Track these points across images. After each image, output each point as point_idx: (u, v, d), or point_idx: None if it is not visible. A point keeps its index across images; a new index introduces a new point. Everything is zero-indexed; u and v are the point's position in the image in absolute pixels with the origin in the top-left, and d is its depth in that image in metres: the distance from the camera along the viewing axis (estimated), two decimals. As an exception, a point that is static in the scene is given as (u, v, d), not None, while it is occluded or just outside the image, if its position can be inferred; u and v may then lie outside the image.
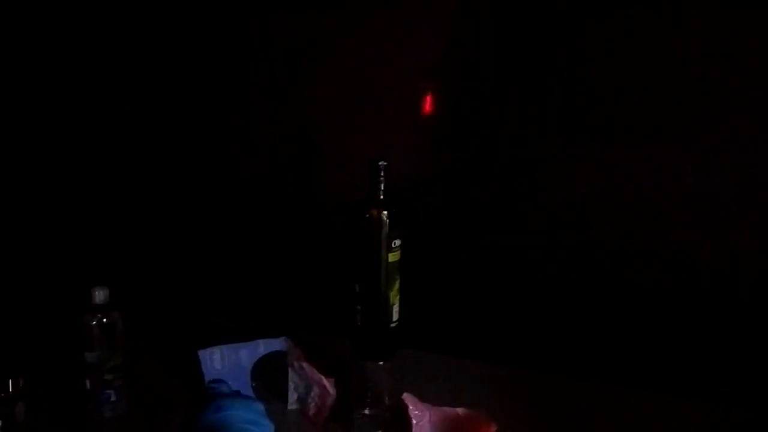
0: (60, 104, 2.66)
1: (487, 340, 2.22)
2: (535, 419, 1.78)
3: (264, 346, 1.90)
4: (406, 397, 1.66)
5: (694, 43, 1.95)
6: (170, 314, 2.48)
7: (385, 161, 1.69)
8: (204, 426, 1.24)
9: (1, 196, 2.50)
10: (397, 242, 1.70)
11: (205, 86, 2.57)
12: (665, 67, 1.98)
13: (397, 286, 1.73)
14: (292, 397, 1.83)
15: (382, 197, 1.69)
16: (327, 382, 1.75)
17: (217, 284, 2.66)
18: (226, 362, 1.85)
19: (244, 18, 2.46)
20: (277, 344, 1.91)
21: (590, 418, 1.82)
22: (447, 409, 1.68)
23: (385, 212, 1.68)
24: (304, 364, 1.79)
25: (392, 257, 1.70)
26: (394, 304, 1.73)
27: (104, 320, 1.75)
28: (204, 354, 1.84)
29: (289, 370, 1.82)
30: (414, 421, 1.63)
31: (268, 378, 1.88)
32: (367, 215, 1.69)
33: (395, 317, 1.74)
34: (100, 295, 1.76)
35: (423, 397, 1.69)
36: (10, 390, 1.70)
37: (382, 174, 1.69)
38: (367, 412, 1.75)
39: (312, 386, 1.78)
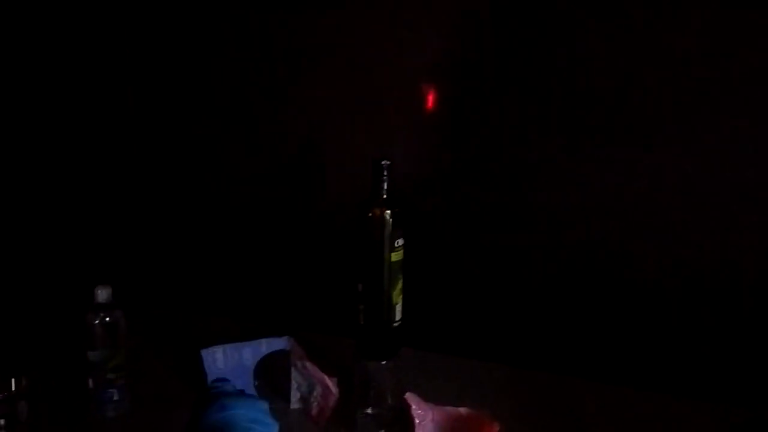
0: (63, 105, 2.66)
1: (490, 340, 2.22)
2: (538, 419, 1.79)
3: (267, 346, 1.90)
4: (409, 396, 1.66)
5: (694, 43, 1.95)
6: (173, 313, 2.49)
7: (388, 160, 1.69)
8: (208, 425, 1.25)
9: (4, 195, 2.49)
10: (400, 242, 1.71)
11: (207, 86, 2.57)
12: (665, 67, 1.98)
13: (399, 285, 1.73)
14: (295, 396, 1.83)
15: (385, 197, 1.69)
16: (330, 382, 1.75)
17: (220, 283, 2.66)
18: (228, 361, 1.85)
19: (245, 18, 2.45)
20: (280, 343, 1.91)
21: (592, 418, 1.82)
22: (450, 409, 1.68)
23: (388, 212, 1.68)
24: (307, 364, 1.79)
25: (395, 257, 1.70)
26: (396, 304, 1.73)
27: (107, 319, 1.75)
28: (207, 353, 1.84)
29: (292, 369, 1.82)
30: (417, 421, 1.64)
31: (271, 377, 1.88)
32: (370, 215, 1.69)
33: (398, 317, 1.74)
34: (102, 294, 1.76)
35: (426, 397, 1.69)
36: (13, 389, 1.70)
37: (385, 173, 1.69)
38: (369, 411, 1.76)
39: (315, 385, 1.78)
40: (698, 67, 1.96)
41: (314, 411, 1.78)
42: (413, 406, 1.65)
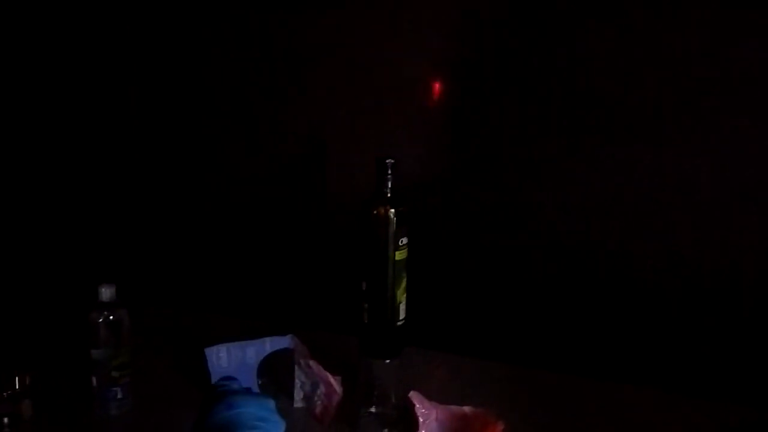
0: (68, 106, 2.66)
1: (494, 339, 2.23)
2: (542, 417, 1.79)
3: (270, 344, 1.90)
4: (413, 395, 1.66)
5: (694, 43, 1.95)
6: (177, 312, 2.48)
7: (392, 159, 1.69)
8: (216, 423, 1.25)
9: (8, 194, 2.49)
10: (404, 240, 1.70)
11: (209, 86, 2.58)
12: (665, 67, 1.99)
13: (403, 284, 1.73)
14: (299, 395, 1.82)
15: (389, 195, 1.69)
16: (333, 380, 1.75)
17: (223, 282, 2.66)
18: (232, 360, 1.85)
19: (245, 18, 2.46)
20: (283, 342, 1.91)
21: (594, 416, 1.82)
22: (454, 408, 1.67)
23: (393, 210, 1.68)
24: (311, 362, 1.79)
25: (399, 255, 1.70)
26: (400, 303, 1.73)
27: (111, 317, 1.75)
28: (210, 351, 1.84)
29: (296, 368, 1.82)
30: (421, 420, 1.63)
31: (275, 376, 1.88)
32: (375, 213, 1.69)
33: (402, 315, 1.74)
34: (106, 293, 1.75)
35: (429, 396, 1.69)
36: (17, 387, 1.70)
37: (389, 172, 1.69)
38: (373, 410, 1.75)
39: (318, 384, 1.78)
40: (698, 67, 1.96)
41: (318, 410, 1.77)
42: (417, 405, 1.64)
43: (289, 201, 2.50)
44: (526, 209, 2.19)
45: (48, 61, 2.59)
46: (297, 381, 1.82)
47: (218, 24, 2.52)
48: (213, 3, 2.51)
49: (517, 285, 2.23)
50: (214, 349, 1.85)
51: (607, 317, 2.14)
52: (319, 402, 1.78)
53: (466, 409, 1.67)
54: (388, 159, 1.68)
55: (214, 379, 1.78)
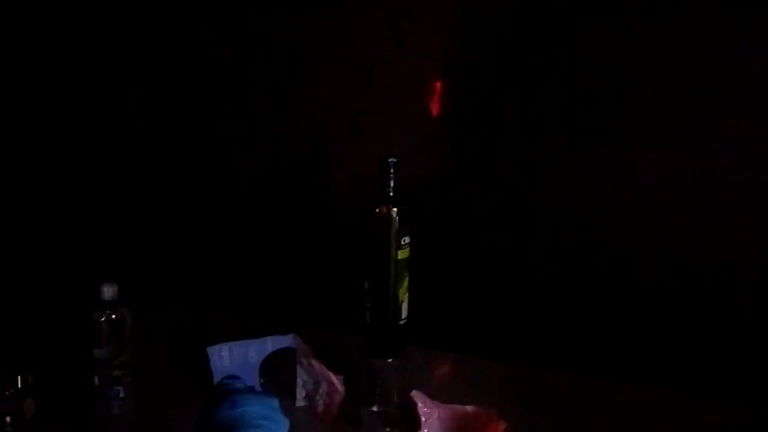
0: (69, 106, 2.65)
1: (496, 338, 2.23)
2: (543, 416, 1.79)
3: (273, 343, 1.90)
4: (415, 394, 1.66)
5: (694, 43, 1.96)
6: (179, 311, 2.49)
7: (394, 158, 1.69)
8: (219, 422, 1.25)
9: (9, 193, 2.49)
10: (406, 239, 1.71)
11: (211, 86, 2.59)
12: (665, 67, 1.99)
13: (406, 283, 1.73)
14: (301, 394, 1.83)
15: (391, 194, 1.69)
16: (336, 379, 1.75)
17: (226, 281, 2.66)
18: (234, 359, 1.85)
19: (245, 18, 2.46)
20: (285, 341, 1.90)
21: (596, 415, 1.83)
22: (456, 407, 1.68)
23: (395, 209, 1.68)
24: (313, 361, 1.79)
25: (401, 254, 1.71)
26: (403, 302, 1.73)
27: (113, 316, 1.75)
28: (212, 350, 1.84)
29: (298, 367, 1.82)
30: (423, 419, 1.63)
31: (277, 375, 1.89)
32: (377, 212, 1.69)
33: (404, 314, 1.75)
34: (108, 292, 1.75)
35: (432, 395, 1.69)
36: (19, 386, 1.70)
37: (391, 171, 1.69)
38: (375, 409, 1.75)
39: (320, 383, 1.78)
40: (698, 67, 1.96)
41: (320, 408, 1.78)
42: (419, 404, 1.65)
43: (291, 200, 2.50)
44: (526, 209, 2.20)
45: (50, 61, 2.58)
46: (299, 380, 1.82)
47: (218, 24, 2.52)
48: (213, 3, 2.51)
49: (518, 284, 2.23)
50: (216, 348, 1.84)
51: (607, 316, 2.14)
52: (321, 401, 1.78)
53: (468, 408, 1.67)
54: (390, 158, 1.69)
55: (216, 379, 1.77)
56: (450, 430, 1.65)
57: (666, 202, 2.04)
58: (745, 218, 1.98)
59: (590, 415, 1.82)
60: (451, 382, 1.95)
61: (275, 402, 1.33)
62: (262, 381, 1.87)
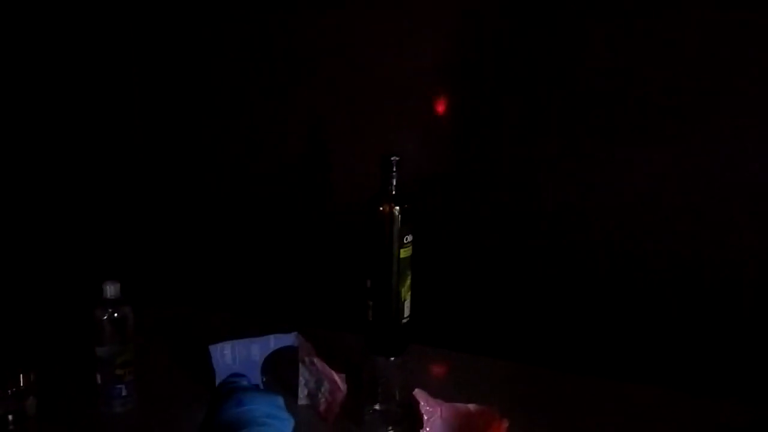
0: (71, 105, 2.65)
1: (498, 337, 2.23)
2: (546, 415, 1.79)
3: (275, 341, 1.90)
4: (418, 392, 1.66)
5: (694, 43, 1.96)
6: (181, 309, 2.49)
7: (397, 156, 1.69)
8: (225, 420, 1.25)
9: (12, 192, 2.49)
10: (409, 238, 1.71)
11: (212, 85, 2.59)
12: (665, 67, 1.99)
13: (408, 281, 1.73)
14: (303, 392, 1.83)
15: (394, 193, 1.70)
16: (338, 378, 1.75)
17: (228, 280, 2.66)
18: (237, 357, 1.85)
19: (247, 18, 2.47)
20: (288, 339, 1.90)
21: (599, 414, 1.83)
22: (459, 405, 1.67)
23: (397, 208, 1.69)
24: (315, 360, 1.79)
25: (404, 253, 1.71)
26: (405, 300, 1.74)
27: (115, 315, 1.75)
28: (215, 349, 1.84)
29: (300, 365, 1.82)
30: (425, 417, 1.63)
31: (279, 373, 1.89)
32: (380, 210, 1.69)
33: (407, 313, 1.75)
34: (111, 290, 1.75)
35: (434, 393, 1.69)
36: (21, 384, 1.69)
37: (394, 169, 1.69)
38: (378, 407, 1.75)
39: (323, 382, 1.78)
40: (698, 67, 1.96)
41: (322, 407, 1.78)
42: (422, 403, 1.64)
43: (293, 199, 2.51)
44: (527, 209, 2.20)
45: (52, 61, 2.59)
46: (301, 378, 1.82)
47: (219, 24, 2.52)
48: (213, 3, 2.51)
49: (520, 283, 2.23)
50: (219, 346, 1.85)
51: (607, 316, 2.14)
52: (323, 399, 1.78)
53: (471, 406, 1.67)
54: (393, 156, 1.69)
55: (218, 377, 1.78)
56: (452, 428, 1.65)
57: (666, 202, 2.04)
58: (745, 218, 1.98)
59: (591, 414, 1.83)
60: (454, 381, 1.95)
61: (280, 400, 1.34)
62: (264, 379, 1.87)
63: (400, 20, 2.25)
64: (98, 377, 1.78)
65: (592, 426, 1.77)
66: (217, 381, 1.77)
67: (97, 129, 2.70)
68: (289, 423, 1.30)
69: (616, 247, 2.12)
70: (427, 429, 1.63)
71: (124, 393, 1.78)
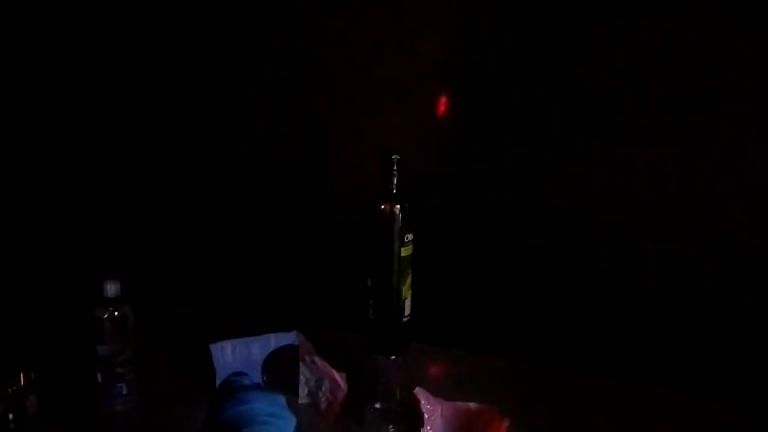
0: (72, 105, 2.66)
1: (499, 335, 2.23)
2: (546, 414, 1.79)
3: (275, 340, 1.90)
4: (418, 391, 1.66)
5: (694, 43, 1.96)
6: (182, 308, 2.49)
7: (398, 155, 1.70)
8: (227, 419, 1.25)
9: (13, 191, 2.49)
10: (410, 236, 1.71)
11: (212, 84, 2.60)
12: (665, 67, 1.99)
13: (409, 280, 1.73)
14: (303, 391, 1.82)
15: (394, 191, 1.70)
16: (338, 377, 1.75)
17: (229, 278, 2.66)
18: (237, 356, 1.85)
19: (247, 18, 2.47)
20: (288, 338, 1.91)
21: (598, 413, 1.83)
22: (459, 404, 1.67)
23: (398, 206, 1.69)
24: (316, 358, 1.79)
25: (404, 251, 1.71)
26: (406, 299, 1.74)
27: (116, 314, 1.75)
28: (215, 347, 1.84)
29: (301, 364, 1.82)
30: (426, 416, 1.63)
31: (279, 372, 1.88)
32: (381, 209, 1.69)
33: (407, 312, 1.75)
34: (111, 289, 1.75)
35: (435, 392, 1.68)
36: (22, 383, 1.70)
37: (395, 168, 1.69)
38: (378, 406, 1.75)
39: (323, 380, 1.78)
40: (698, 66, 1.96)
41: (323, 406, 1.77)
42: (422, 401, 1.64)
43: (293, 198, 2.51)
44: (527, 208, 2.20)
45: (52, 61, 2.60)
46: (302, 377, 1.82)
47: (219, 24, 2.52)
48: (213, 3, 2.51)
49: (520, 283, 2.23)
50: (219, 345, 1.85)
51: (607, 315, 2.14)
52: (323, 398, 1.78)
53: (472, 405, 1.66)
54: (393, 155, 1.69)
55: (218, 376, 1.79)
56: (453, 427, 1.65)
57: (666, 202, 2.04)
58: (745, 218, 1.98)
59: (591, 413, 1.82)
60: (454, 380, 1.95)
61: (282, 399, 1.34)
62: (264, 378, 1.87)
63: (400, 20, 2.25)
64: (99, 376, 1.77)
65: (592, 425, 1.77)
66: (218, 380, 1.77)
67: (97, 129, 2.71)
68: (291, 422, 1.30)
69: (616, 247, 2.12)
70: (428, 428, 1.63)
71: (124, 392, 1.78)
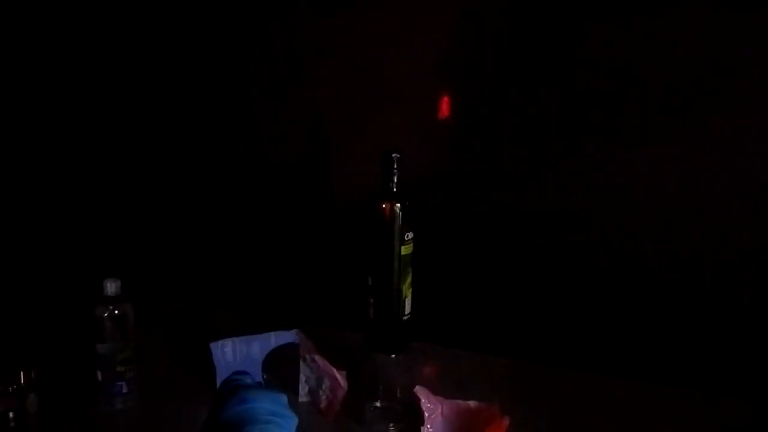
0: (72, 104, 2.66)
1: (499, 334, 2.23)
2: (547, 412, 1.79)
3: (276, 339, 1.89)
4: (419, 389, 1.65)
5: (694, 43, 1.96)
6: (182, 306, 2.49)
7: (398, 153, 1.70)
8: (228, 418, 1.25)
9: (13, 189, 2.49)
10: (410, 235, 1.72)
11: (214, 84, 2.60)
12: (665, 67, 2.00)
13: (409, 279, 1.74)
14: (304, 389, 1.82)
15: (395, 190, 1.70)
16: (339, 375, 1.75)
17: (229, 277, 2.67)
18: (237, 354, 1.85)
19: (247, 18, 2.47)
20: (289, 337, 1.90)
21: (599, 411, 1.83)
22: (459, 402, 1.67)
23: (399, 205, 1.69)
24: (316, 357, 1.79)
25: (405, 250, 1.71)
26: (406, 297, 1.74)
27: (116, 312, 1.74)
28: (216, 346, 1.83)
29: (301, 362, 1.81)
30: (426, 414, 1.63)
31: (280, 370, 1.88)
32: (381, 207, 1.70)
33: (407, 310, 1.75)
34: (111, 287, 1.75)
35: (435, 390, 1.68)
36: (22, 381, 1.69)
37: (395, 166, 1.70)
38: (378, 404, 1.75)
39: (323, 379, 1.78)
40: (698, 67, 1.97)
41: (323, 404, 1.77)
42: (423, 400, 1.64)
43: (293, 197, 2.51)
44: (527, 208, 2.20)
45: (52, 61, 2.59)
46: (302, 375, 1.82)
47: (219, 24, 2.52)
48: (213, 3, 2.51)
49: (521, 281, 2.23)
50: (220, 343, 1.84)
51: (608, 314, 2.14)
52: (324, 396, 1.78)
53: (472, 403, 1.66)
54: (394, 153, 1.69)
55: (219, 374, 1.79)
56: (453, 425, 1.65)
57: (666, 202, 2.04)
58: (745, 218, 1.98)
59: (592, 411, 1.82)
60: (455, 378, 1.94)
61: (284, 398, 1.33)
62: (264, 377, 1.86)
63: (400, 20, 2.25)
64: (99, 374, 1.77)
65: (593, 423, 1.77)
66: (218, 378, 1.77)
67: (97, 127, 2.71)
68: (293, 421, 1.30)
69: (616, 247, 2.12)
70: (428, 426, 1.63)
71: (124, 390, 1.78)
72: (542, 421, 1.74)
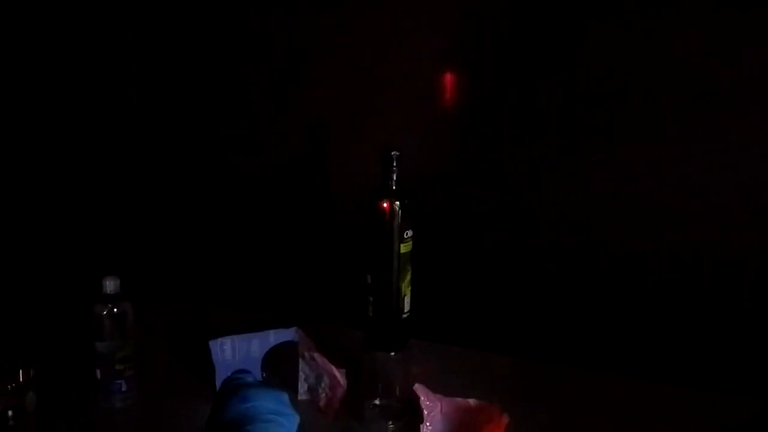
0: (72, 104, 2.66)
1: (499, 332, 2.23)
2: (546, 410, 1.79)
3: (275, 337, 1.89)
4: (418, 387, 1.66)
5: (694, 43, 1.96)
6: (181, 304, 2.49)
7: (397, 151, 1.69)
8: (230, 417, 1.24)
9: (12, 189, 2.49)
10: (409, 233, 1.71)
11: (214, 84, 2.60)
12: (665, 67, 2.00)
13: (408, 277, 1.73)
14: (303, 387, 1.83)
15: (394, 187, 1.69)
16: (338, 373, 1.75)
17: (228, 275, 2.67)
18: (236, 352, 1.85)
19: (247, 18, 2.48)
20: (288, 335, 1.90)
21: (598, 409, 1.83)
22: (459, 400, 1.67)
23: (398, 202, 1.68)
24: (315, 355, 1.79)
25: (404, 248, 1.70)
26: (405, 295, 1.73)
27: (115, 310, 1.75)
28: (215, 344, 1.83)
29: (300, 360, 1.82)
30: (426, 412, 1.63)
31: (279, 368, 1.88)
32: (381, 205, 1.69)
33: (407, 308, 1.74)
34: (110, 285, 1.75)
35: (435, 388, 1.69)
36: (21, 380, 1.70)
37: (395, 164, 1.69)
38: (378, 402, 1.75)
39: (323, 377, 1.78)
40: (698, 67, 1.96)
41: (322, 402, 1.78)
42: (422, 398, 1.64)
43: (293, 196, 2.51)
44: (526, 208, 2.20)
45: (52, 62, 2.60)
46: (301, 374, 1.82)
47: (218, 24, 2.52)
48: (213, 3, 2.51)
49: (520, 280, 2.23)
50: (219, 341, 1.84)
51: (608, 313, 2.14)
52: (323, 394, 1.78)
53: (471, 401, 1.67)
54: (393, 151, 1.69)
55: (218, 372, 1.79)
56: (452, 423, 1.65)
57: (666, 202, 2.04)
58: (745, 218, 1.98)
59: (592, 410, 1.83)
60: (454, 376, 1.94)
61: (285, 397, 1.33)
62: (264, 375, 1.86)
63: (400, 20, 2.25)
64: (98, 372, 1.78)
65: (593, 422, 1.77)
66: (217, 376, 1.78)
67: (97, 127, 2.71)
68: (295, 420, 1.30)
69: (616, 247, 2.12)
70: (428, 424, 1.63)
71: (123, 388, 1.79)
72: (541, 419, 1.75)
